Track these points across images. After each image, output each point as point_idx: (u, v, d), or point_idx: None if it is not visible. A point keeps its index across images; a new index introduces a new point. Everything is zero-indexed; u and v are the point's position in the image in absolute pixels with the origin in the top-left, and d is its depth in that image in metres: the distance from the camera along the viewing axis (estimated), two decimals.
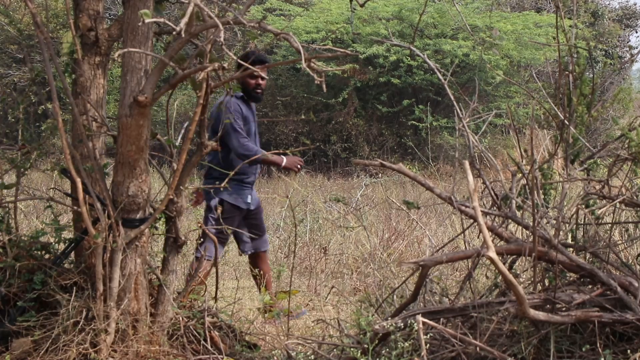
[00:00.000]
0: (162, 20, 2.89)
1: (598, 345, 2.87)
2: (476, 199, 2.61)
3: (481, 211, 2.74)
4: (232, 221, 5.17)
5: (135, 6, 3.41)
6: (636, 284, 2.96)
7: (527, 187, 3.23)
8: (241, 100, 5.34)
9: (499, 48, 14.13)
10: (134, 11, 3.38)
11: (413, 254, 6.34)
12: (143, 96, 3.31)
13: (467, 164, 2.73)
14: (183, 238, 3.69)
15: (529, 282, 3.25)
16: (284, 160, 5.24)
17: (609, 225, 3.34)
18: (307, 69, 2.96)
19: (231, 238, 5.52)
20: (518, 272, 3.47)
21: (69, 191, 3.70)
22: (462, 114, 3.47)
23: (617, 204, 3.22)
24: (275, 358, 3.40)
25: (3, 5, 9.94)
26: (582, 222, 3.25)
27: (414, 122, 14.36)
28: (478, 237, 4.08)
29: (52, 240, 3.86)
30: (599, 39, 16.73)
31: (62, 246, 3.79)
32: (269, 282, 5.43)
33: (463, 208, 3.22)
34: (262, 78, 5.25)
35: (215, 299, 4.07)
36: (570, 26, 3.48)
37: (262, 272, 5.36)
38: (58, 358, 3.37)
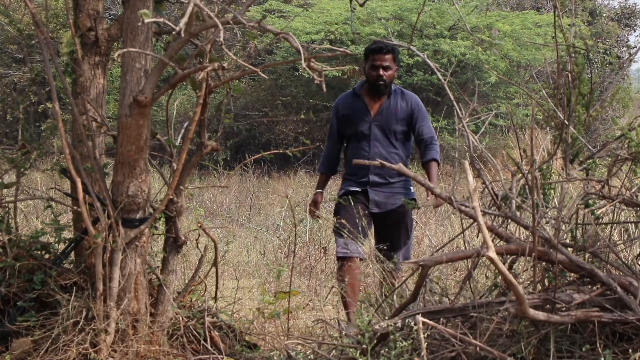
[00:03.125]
0: (161, 20, 2.90)
1: (598, 345, 2.87)
2: (476, 199, 2.61)
3: (481, 211, 2.74)
4: (344, 212, 4.75)
5: (135, 6, 3.41)
6: (636, 284, 2.96)
7: (526, 187, 3.23)
8: (351, 95, 4.88)
9: (499, 48, 14.11)
10: (134, 11, 3.38)
11: (413, 254, 6.33)
12: (143, 96, 3.31)
13: (467, 164, 2.73)
14: (183, 238, 3.69)
15: (529, 282, 3.25)
16: (311, 197, 5.11)
17: (609, 225, 3.34)
18: (307, 69, 2.97)
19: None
20: (518, 272, 3.46)
21: (69, 191, 3.70)
22: (462, 114, 3.47)
23: (617, 204, 3.22)
24: (275, 358, 3.40)
25: (3, 5, 9.94)
26: (582, 222, 3.25)
27: None
28: (478, 237, 4.08)
29: (52, 240, 3.86)
30: (597, 39, 16.73)
31: (62, 246, 3.79)
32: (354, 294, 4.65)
33: (463, 208, 3.22)
34: (385, 68, 4.70)
35: (215, 299, 4.07)
36: (569, 24, 3.47)
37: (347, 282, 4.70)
38: (58, 358, 3.37)
